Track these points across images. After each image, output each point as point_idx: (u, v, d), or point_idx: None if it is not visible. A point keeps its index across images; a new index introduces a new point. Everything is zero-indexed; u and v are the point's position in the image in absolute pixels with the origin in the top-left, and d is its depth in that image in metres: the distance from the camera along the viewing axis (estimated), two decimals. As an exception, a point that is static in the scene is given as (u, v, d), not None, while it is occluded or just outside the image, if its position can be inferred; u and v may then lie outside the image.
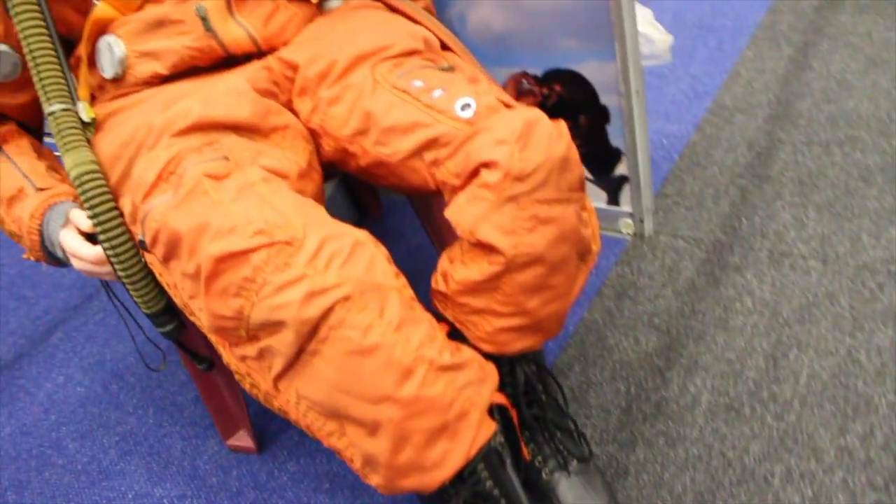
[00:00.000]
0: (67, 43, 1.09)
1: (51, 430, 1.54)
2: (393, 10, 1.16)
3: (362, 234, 0.85)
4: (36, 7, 0.98)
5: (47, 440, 1.52)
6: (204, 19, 1.04)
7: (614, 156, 1.45)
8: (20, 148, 1.13)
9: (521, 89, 1.46)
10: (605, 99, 1.38)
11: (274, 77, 1.07)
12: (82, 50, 1.08)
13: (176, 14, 1.04)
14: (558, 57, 1.38)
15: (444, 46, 1.15)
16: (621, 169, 1.47)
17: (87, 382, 1.64)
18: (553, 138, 0.89)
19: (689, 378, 1.28)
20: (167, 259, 0.90)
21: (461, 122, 0.92)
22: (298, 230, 0.82)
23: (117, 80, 1.07)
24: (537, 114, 0.91)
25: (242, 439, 1.37)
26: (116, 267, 0.98)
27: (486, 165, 0.87)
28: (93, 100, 1.11)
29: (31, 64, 0.99)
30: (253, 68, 1.07)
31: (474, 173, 0.89)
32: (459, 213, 0.91)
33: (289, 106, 1.07)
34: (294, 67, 1.06)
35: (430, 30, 1.14)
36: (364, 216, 1.75)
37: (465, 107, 0.93)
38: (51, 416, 1.58)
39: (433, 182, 0.96)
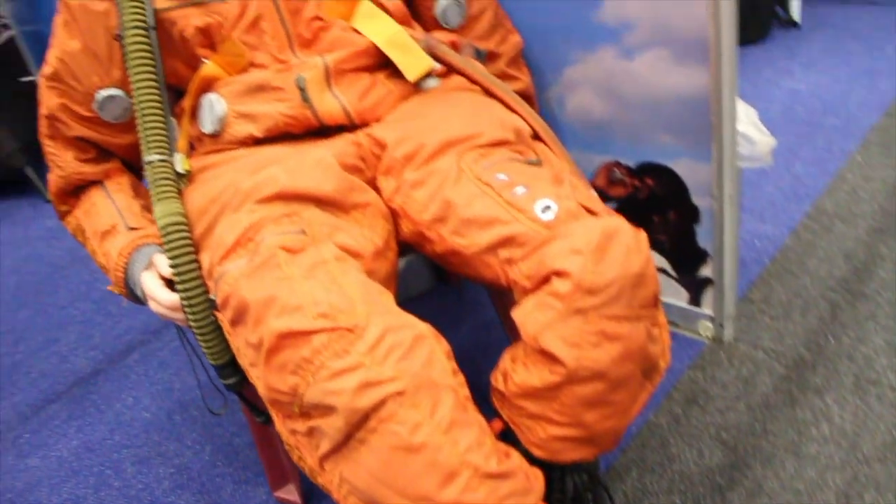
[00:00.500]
0: (176, 91, 1.15)
1: (113, 451, 1.59)
2: (489, 93, 1.17)
3: (425, 328, 0.85)
4: (150, 60, 1.05)
5: (108, 460, 1.56)
6: (302, 89, 1.07)
7: (700, 257, 1.40)
8: (120, 185, 1.19)
9: (613, 178, 1.43)
10: (696, 199, 1.34)
11: (362, 153, 1.09)
12: (187, 102, 1.13)
13: (277, 81, 1.08)
14: (653, 151, 1.35)
15: (536, 136, 1.14)
16: (706, 271, 1.42)
17: (154, 409, 1.68)
18: (631, 252, 0.87)
19: (751, 503, 1.22)
20: (234, 323, 0.92)
21: (540, 225, 0.92)
22: (362, 317, 0.82)
23: (215, 135, 1.12)
24: (618, 224, 0.89)
25: (290, 493, 1.38)
26: (189, 317, 1.01)
27: (559, 274, 0.86)
28: (191, 148, 1.15)
29: (137, 113, 1.05)
30: (342, 142, 1.09)
31: (546, 279, 0.88)
32: (526, 316, 0.90)
33: (373, 183, 1.09)
34: (382, 146, 1.08)
35: (523, 118, 1.14)
36: (443, 282, 1.74)
37: (545, 209, 0.93)
38: (115, 435, 1.63)
39: (505, 279, 0.95)
